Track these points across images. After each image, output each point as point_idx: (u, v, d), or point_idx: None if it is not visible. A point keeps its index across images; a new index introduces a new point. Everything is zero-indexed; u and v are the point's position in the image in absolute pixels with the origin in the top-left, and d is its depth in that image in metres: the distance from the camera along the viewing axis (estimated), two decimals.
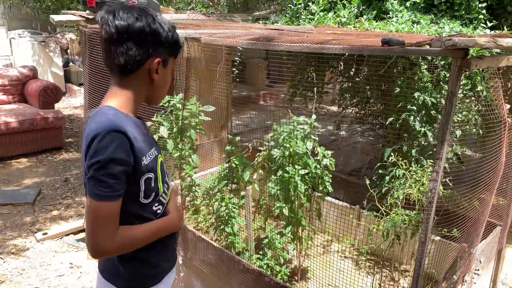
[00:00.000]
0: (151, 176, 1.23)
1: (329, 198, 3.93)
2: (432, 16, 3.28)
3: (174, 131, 3.19)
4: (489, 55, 2.42)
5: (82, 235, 3.74)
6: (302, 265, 3.32)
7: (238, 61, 3.98)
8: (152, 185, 1.24)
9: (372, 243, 3.32)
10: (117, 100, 1.21)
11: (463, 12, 3.38)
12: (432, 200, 1.58)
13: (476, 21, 3.36)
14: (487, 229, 2.96)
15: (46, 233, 3.79)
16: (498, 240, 2.94)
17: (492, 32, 2.91)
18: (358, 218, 3.71)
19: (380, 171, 3.33)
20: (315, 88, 3.21)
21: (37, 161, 5.47)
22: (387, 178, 3.22)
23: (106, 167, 1.08)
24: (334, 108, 5.19)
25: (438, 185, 1.58)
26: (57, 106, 6.73)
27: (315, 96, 3.09)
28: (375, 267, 3.37)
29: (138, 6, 1.22)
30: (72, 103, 8.83)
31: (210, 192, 3.07)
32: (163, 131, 3.07)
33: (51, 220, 4.06)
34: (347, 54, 3.69)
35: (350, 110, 4.50)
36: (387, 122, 3.30)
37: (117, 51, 1.17)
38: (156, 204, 1.29)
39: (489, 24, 3.18)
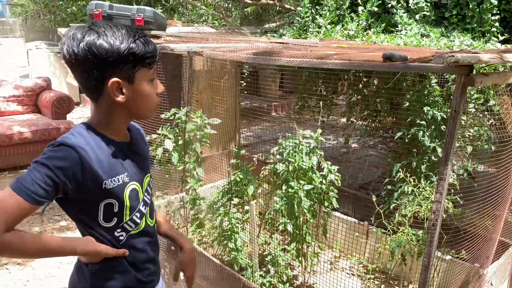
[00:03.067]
0: (112, 202, 1.17)
1: (337, 214, 3.86)
2: (443, 29, 3.21)
3: (179, 143, 3.18)
4: (501, 70, 2.35)
5: None
6: (308, 282, 3.24)
7: (246, 73, 3.96)
8: (115, 210, 1.19)
9: (379, 261, 3.23)
10: (94, 118, 1.20)
11: (475, 25, 3.30)
12: (436, 222, 1.51)
13: (488, 34, 3.28)
14: (500, 249, 2.85)
15: None
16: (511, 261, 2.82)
17: (503, 46, 2.83)
18: (367, 235, 3.62)
19: (388, 187, 3.25)
20: (321, 101, 3.16)
21: None
22: (396, 194, 3.14)
23: (39, 166, 1.05)
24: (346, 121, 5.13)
25: (442, 207, 1.51)
26: (71, 116, 6.83)
27: (321, 109, 3.04)
28: (383, 285, 3.27)
29: (89, 25, 1.13)
30: (85, 114, 8.96)
31: (214, 206, 3.03)
32: (168, 144, 3.06)
33: (58, 231, 4.08)
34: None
35: (360, 123, 4.43)
36: (396, 137, 3.23)
37: (75, 77, 1.14)
38: (119, 230, 1.22)
39: (501, 38, 3.10)
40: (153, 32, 2.98)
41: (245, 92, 4.05)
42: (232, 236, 2.83)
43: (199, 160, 3.17)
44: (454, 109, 1.42)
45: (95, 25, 1.12)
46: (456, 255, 2.62)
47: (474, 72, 1.45)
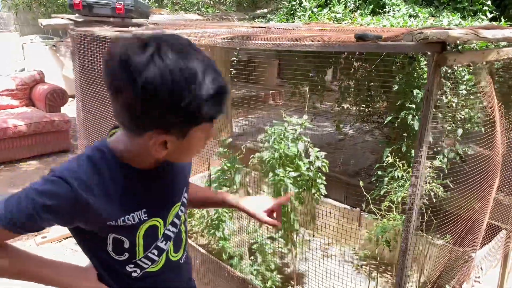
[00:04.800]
0: (122, 239, 1.02)
1: (329, 200, 3.83)
2: (432, 9, 3.13)
3: None
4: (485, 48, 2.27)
5: None
6: (299, 269, 3.22)
7: (235, 60, 3.90)
8: (126, 247, 1.03)
9: (371, 247, 3.20)
10: (120, 145, 0.99)
11: (466, 4, 3.21)
12: (412, 206, 1.47)
13: (480, 13, 3.19)
14: (491, 233, 2.81)
15: (45, 237, 3.80)
16: (503, 244, 2.77)
17: (490, 23, 2.75)
18: (359, 221, 3.59)
19: (379, 172, 3.21)
20: (309, 87, 3.11)
21: (44, 164, 5.52)
22: (386, 179, 3.10)
23: (27, 199, 0.93)
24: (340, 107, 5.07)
25: (418, 191, 1.46)
26: (65, 109, 6.80)
27: (308, 95, 2.99)
28: (375, 271, 3.24)
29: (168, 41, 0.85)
30: None
31: None
32: None
33: None
34: (345, 52, 3.57)
35: (353, 109, 4.37)
36: (386, 121, 3.18)
37: (118, 107, 0.89)
38: (132, 266, 1.07)
39: (490, 16, 3.01)
40: (134, 21, 2.92)
41: (235, 80, 3.99)
42: (220, 225, 2.81)
43: None
44: (427, 89, 1.37)
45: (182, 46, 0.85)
46: (446, 240, 2.58)
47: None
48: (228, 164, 2.98)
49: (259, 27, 2.63)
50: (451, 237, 2.58)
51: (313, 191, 2.84)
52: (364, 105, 4.22)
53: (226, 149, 3.03)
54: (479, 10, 3.17)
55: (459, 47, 2.12)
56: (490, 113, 1.81)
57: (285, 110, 3.13)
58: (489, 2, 3.19)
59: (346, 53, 3.96)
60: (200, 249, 2.47)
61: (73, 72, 3.02)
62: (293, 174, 2.71)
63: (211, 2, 6.10)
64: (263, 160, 2.83)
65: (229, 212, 3.01)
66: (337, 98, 4.72)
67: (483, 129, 2.83)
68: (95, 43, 2.59)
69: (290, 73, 4.43)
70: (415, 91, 2.92)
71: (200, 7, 7.59)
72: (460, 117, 3.03)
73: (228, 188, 3.04)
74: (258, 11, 4.93)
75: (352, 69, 3.77)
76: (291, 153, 2.74)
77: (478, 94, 2.21)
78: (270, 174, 2.74)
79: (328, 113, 6.18)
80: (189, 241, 2.55)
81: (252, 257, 2.82)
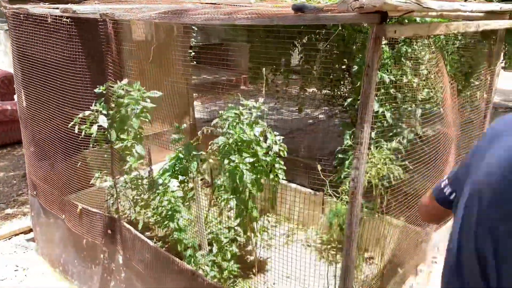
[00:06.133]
0: None
1: (293, 185, 3.75)
2: None
3: (116, 119, 2.96)
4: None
5: (32, 234, 3.53)
6: (261, 257, 3.14)
7: (194, 42, 3.73)
8: None
9: (333, 231, 3.15)
10: None
11: None
12: (355, 190, 1.38)
13: None
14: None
15: None
16: None
17: None
18: (322, 205, 3.53)
19: (340, 156, 3.14)
20: (264, 70, 2.98)
21: None
22: (347, 163, 3.03)
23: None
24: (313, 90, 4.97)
25: (361, 174, 1.37)
26: None
27: (265, 77, 2.87)
28: (338, 255, 3.20)
29: None
30: None
31: (154, 185, 2.86)
32: (102, 120, 2.84)
33: (3, 219, 3.85)
34: (302, 27, 3.45)
35: (317, 92, 4.29)
36: (346, 104, 3.10)
37: None
38: None
39: None
40: None
41: (195, 62, 3.84)
42: (174, 216, 2.68)
43: (139, 137, 2.97)
44: (368, 64, 1.27)
45: None
46: (403, 222, 2.54)
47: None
48: (183, 152, 2.84)
49: (208, 3, 2.48)
50: (409, 217, 2.54)
51: (271, 176, 2.74)
52: (328, 89, 4.14)
53: (181, 136, 2.88)
54: None
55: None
56: (441, 92, 1.73)
57: (255, 95, 3.02)
58: None
59: (309, 34, 3.85)
60: (150, 242, 2.34)
61: (11, 54, 2.79)
62: (249, 160, 2.60)
63: None
64: (218, 146, 2.71)
65: (187, 202, 2.89)
66: (303, 82, 4.63)
67: (441, 110, 2.79)
68: (29, 21, 2.37)
69: (255, 57, 4.29)
70: None
71: None
72: (421, 97, 2.98)
73: (183, 177, 2.90)
74: None
75: (314, 51, 3.66)
76: (248, 138, 2.62)
77: (433, 73, 2.14)
78: (226, 161, 2.62)
79: (296, 97, 6.09)
80: (137, 234, 2.42)
81: (209, 247, 2.72)
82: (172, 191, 2.80)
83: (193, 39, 3.82)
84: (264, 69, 3.07)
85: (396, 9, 1.16)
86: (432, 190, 1.12)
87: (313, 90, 4.61)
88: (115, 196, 2.73)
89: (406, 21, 1.39)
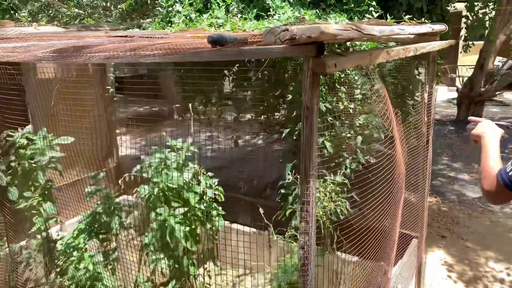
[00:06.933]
0: None
1: (234, 226, 3.44)
2: (319, 11, 2.92)
3: (18, 174, 2.48)
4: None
5: None
6: None
7: (113, 77, 3.35)
8: None
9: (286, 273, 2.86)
10: None
11: (353, 5, 3.06)
12: (306, 261, 1.10)
13: (367, 14, 3.06)
14: (404, 243, 2.63)
15: None
16: (416, 256, 2.61)
17: (374, 19, 2.60)
18: (269, 246, 3.25)
19: (282, 191, 2.89)
20: (190, 104, 2.70)
21: None
22: (290, 198, 2.79)
23: None
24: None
25: (312, 240, 1.10)
26: None
27: (192, 113, 2.58)
28: None
29: None
30: None
31: (68, 250, 2.40)
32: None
33: None
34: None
35: (254, 120, 4.06)
36: (284, 134, 2.88)
37: None
38: None
39: (376, 15, 2.89)
40: None
41: (115, 99, 3.46)
42: (95, 286, 2.24)
43: (47, 192, 2.51)
44: (306, 106, 1.01)
45: None
46: (357, 258, 2.32)
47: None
48: (101, 207, 2.42)
49: (118, 36, 2.15)
50: (364, 253, 2.33)
51: (209, 226, 2.42)
52: (264, 116, 3.93)
53: (97, 188, 2.46)
54: (365, 11, 3.05)
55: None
56: (386, 118, 1.54)
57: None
58: (374, 3, 3.08)
59: (239, 63, 3.63)
60: None
61: None
62: (180, 210, 2.25)
63: (85, 14, 5.43)
64: (142, 198, 2.33)
65: (110, 264, 2.45)
66: (238, 111, 4.38)
67: (382, 135, 2.66)
68: None
69: (185, 87, 3.99)
70: None
71: (82, 19, 6.82)
72: (358, 123, 2.84)
73: (104, 235, 2.47)
74: (142, 21, 4.40)
75: (245, 80, 3.45)
76: (177, 185, 2.28)
77: (373, 98, 1.98)
78: (153, 214, 2.25)
79: (231, 127, 5.84)
80: None
81: None
82: (90, 256, 2.36)
83: (117, 72, 3.44)
84: (190, 103, 2.78)
85: (335, 38, 0.93)
86: (498, 179, 1.22)
87: (251, 116, 4.40)
88: (10, 268, 2.23)
89: (344, 48, 1.17)
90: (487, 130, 1.38)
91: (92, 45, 1.54)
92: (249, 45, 1.10)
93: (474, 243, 3.59)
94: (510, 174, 1.18)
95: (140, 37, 2.06)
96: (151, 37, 2.02)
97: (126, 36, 2.12)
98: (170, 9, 2.93)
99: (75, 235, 2.36)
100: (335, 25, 0.93)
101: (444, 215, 4.15)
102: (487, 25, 5.24)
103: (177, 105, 9.38)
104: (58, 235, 2.76)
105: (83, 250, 2.27)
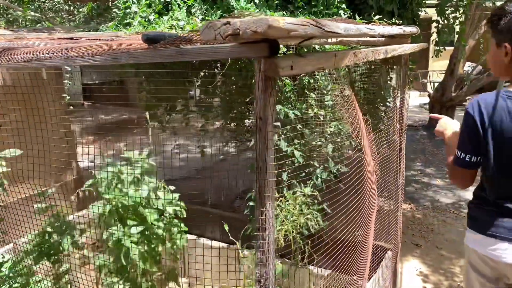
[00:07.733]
0: None
1: (201, 240, 3.25)
2: (287, 13, 2.79)
3: None
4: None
5: None
6: None
7: (68, 85, 3.11)
8: None
9: None
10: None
11: (322, 7, 2.95)
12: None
13: (336, 17, 2.95)
14: (378, 256, 2.51)
15: None
16: (390, 269, 2.49)
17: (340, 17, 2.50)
18: (238, 261, 3.07)
19: (251, 204, 2.73)
20: (147, 113, 2.51)
21: None
22: None
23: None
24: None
25: (270, 275, 0.94)
26: None
27: (149, 121, 2.39)
28: None
29: None
30: None
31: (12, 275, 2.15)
32: None
33: None
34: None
35: (223, 127, 3.89)
36: (252, 143, 2.72)
37: None
38: None
39: (344, 16, 2.78)
40: None
41: (72, 107, 3.22)
42: None
43: None
44: (259, 116, 0.85)
45: None
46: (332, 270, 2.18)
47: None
48: (50, 226, 2.19)
49: (62, 38, 1.94)
50: (336, 267, 2.19)
51: (169, 245, 2.22)
52: (234, 124, 3.77)
53: (46, 206, 2.23)
54: (335, 13, 2.94)
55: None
56: (354, 128, 1.41)
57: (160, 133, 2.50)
58: (344, 6, 2.98)
59: (203, 67, 3.47)
60: None
61: None
62: (136, 229, 2.05)
63: (45, 17, 5.15)
64: (94, 216, 2.11)
65: None
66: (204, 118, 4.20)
67: (352, 143, 2.54)
68: None
69: (149, 93, 3.79)
70: (278, 107, 2.51)
71: (44, 23, 6.51)
72: (329, 131, 2.71)
73: (53, 257, 2.23)
74: (104, 25, 4.17)
75: (211, 86, 3.28)
76: (132, 202, 2.08)
77: (341, 105, 1.85)
78: (105, 234, 2.04)
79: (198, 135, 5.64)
80: None
81: None
82: (38, 281, 2.12)
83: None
84: (152, 111, 2.59)
85: (288, 35, 0.78)
86: (456, 167, 1.49)
87: (220, 124, 4.23)
88: None
89: (306, 50, 1.02)
90: (448, 128, 1.61)
91: (22, 47, 1.33)
92: (193, 43, 0.93)
93: (449, 251, 3.52)
94: (460, 157, 1.45)
95: (87, 39, 1.86)
96: (98, 39, 1.82)
97: (72, 38, 1.92)
98: (127, 10, 2.74)
99: (20, 258, 2.11)
100: (288, 18, 0.78)
101: (419, 223, 4.08)
102: (457, 30, 5.26)
103: (146, 113, 9.11)
104: (3, 257, 2.49)
105: (28, 275, 2.03)
